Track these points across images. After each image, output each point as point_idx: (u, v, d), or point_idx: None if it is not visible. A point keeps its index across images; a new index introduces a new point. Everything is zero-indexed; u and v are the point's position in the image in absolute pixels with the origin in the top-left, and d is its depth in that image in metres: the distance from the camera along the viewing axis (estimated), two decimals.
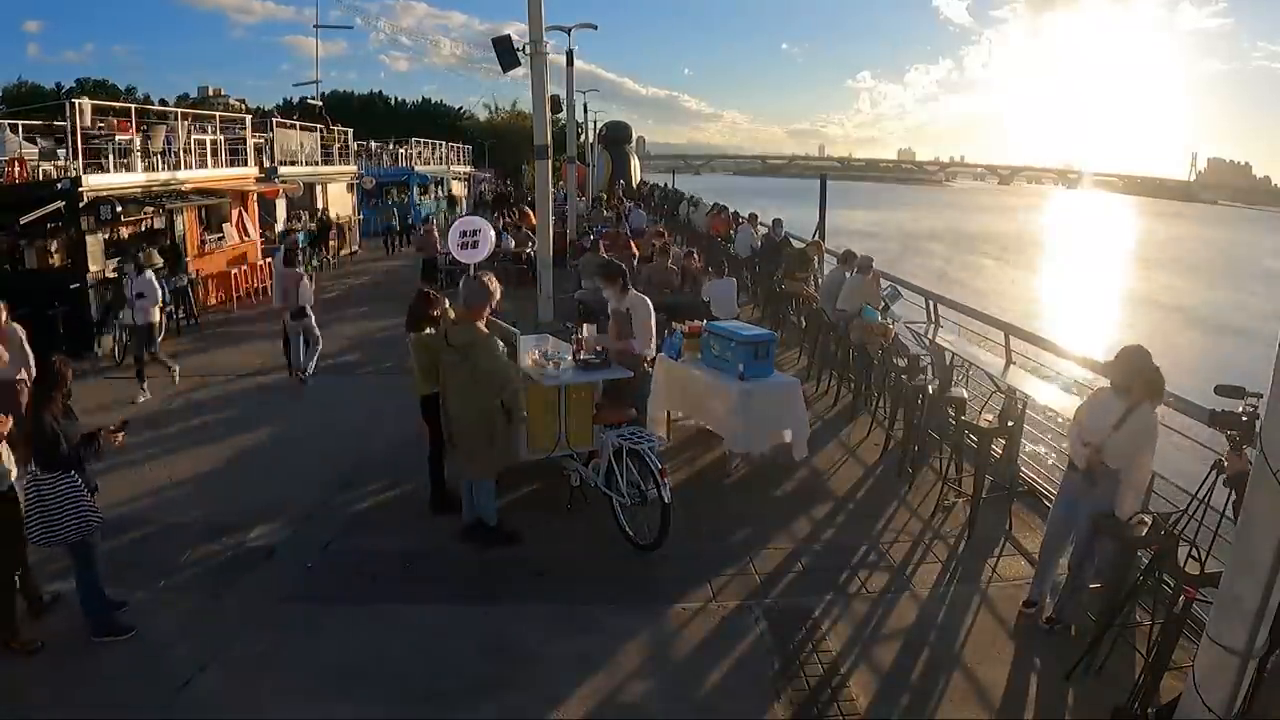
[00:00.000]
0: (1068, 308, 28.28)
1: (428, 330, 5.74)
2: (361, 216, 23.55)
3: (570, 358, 6.27)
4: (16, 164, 12.31)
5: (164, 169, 13.24)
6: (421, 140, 32.81)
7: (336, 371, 10.09)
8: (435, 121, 54.05)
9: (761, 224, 16.47)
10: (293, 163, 18.87)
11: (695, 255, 12.01)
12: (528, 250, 15.63)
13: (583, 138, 37.11)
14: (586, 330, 6.46)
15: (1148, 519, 4.15)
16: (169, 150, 13.50)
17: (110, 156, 11.98)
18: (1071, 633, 4.40)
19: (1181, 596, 3.43)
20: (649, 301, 6.62)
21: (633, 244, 13.93)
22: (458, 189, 33.23)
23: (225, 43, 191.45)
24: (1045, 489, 6.25)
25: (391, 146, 31.55)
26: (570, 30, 19.98)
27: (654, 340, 6.67)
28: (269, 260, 15.76)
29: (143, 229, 12.93)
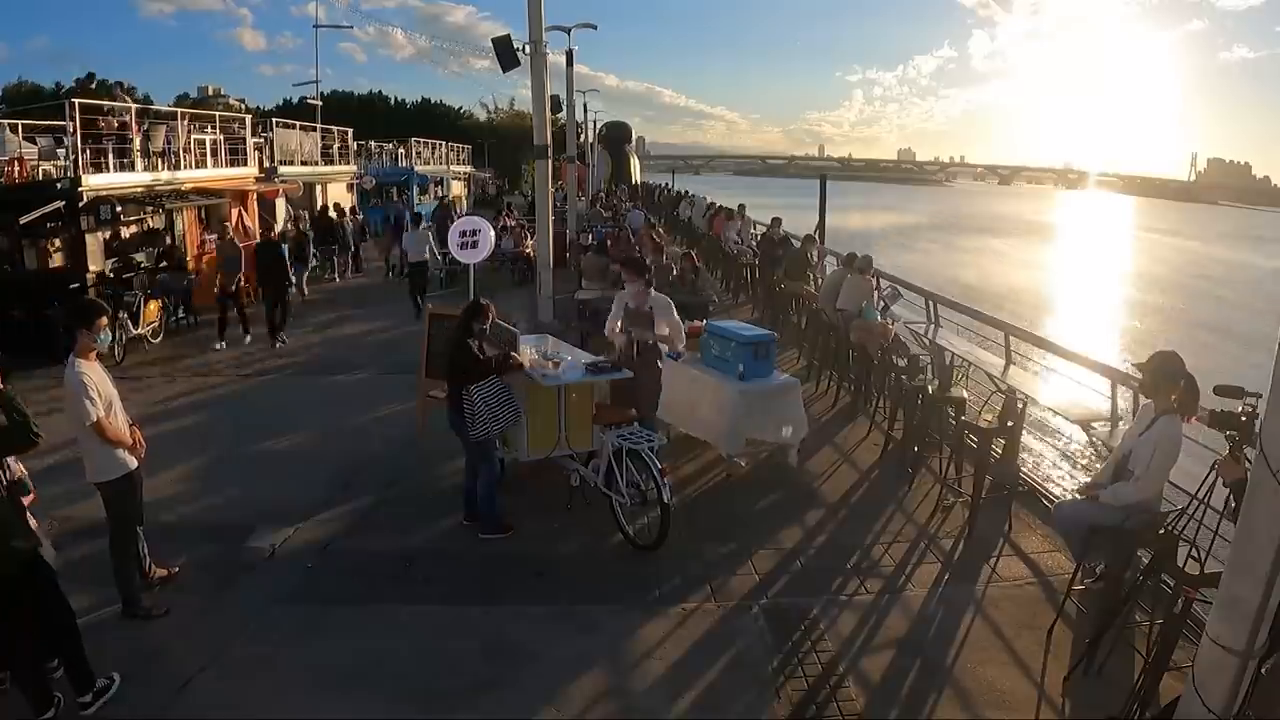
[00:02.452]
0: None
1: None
2: (361, 217, 23.54)
3: (570, 359, 6.26)
4: (16, 164, 12.31)
5: (164, 169, 13.23)
6: (421, 140, 32.82)
7: (336, 372, 10.09)
8: (435, 121, 54.00)
9: (759, 223, 16.49)
10: (292, 163, 18.88)
11: (693, 256, 12.01)
12: (527, 250, 15.66)
13: (583, 138, 37.11)
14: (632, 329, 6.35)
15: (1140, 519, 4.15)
16: (169, 150, 13.50)
17: (109, 156, 11.99)
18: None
19: (1181, 596, 3.42)
20: (670, 300, 6.55)
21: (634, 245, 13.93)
22: (457, 189, 33.23)
23: (152, 35, 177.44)
24: (1045, 489, 6.25)
25: (391, 146, 31.56)
26: (570, 30, 20.01)
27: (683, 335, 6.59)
28: None
29: (143, 229, 12.94)
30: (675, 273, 10.67)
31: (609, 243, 14.32)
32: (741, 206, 17.58)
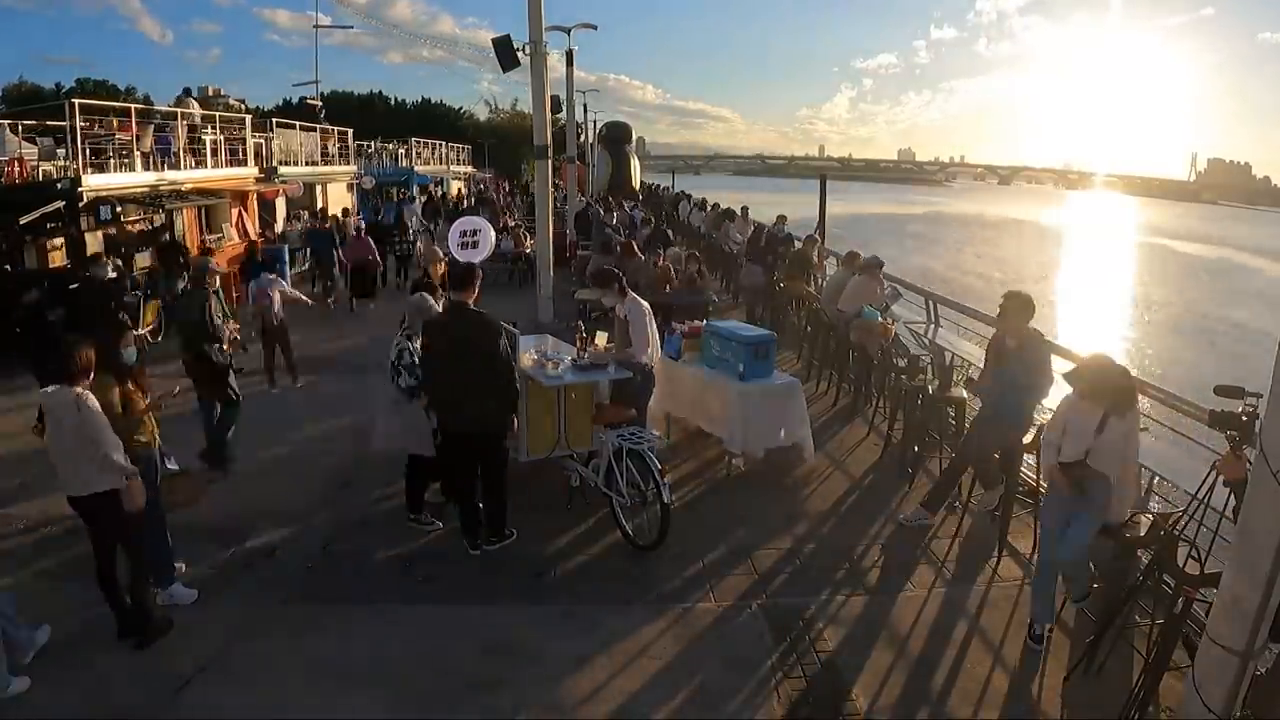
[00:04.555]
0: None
1: None
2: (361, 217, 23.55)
3: (569, 359, 6.27)
4: (16, 164, 12.31)
5: (165, 169, 13.24)
6: (421, 140, 32.82)
7: (337, 371, 10.09)
8: (435, 122, 54.06)
9: (759, 222, 16.46)
10: (293, 163, 18.88)
11: (696, 255, 12.01)
12: (526, 250, 15.67)
13: (583, 138, 37.11)
14: (598, 340, 6.41)
15: (1146, 518, 4.15)
16: (169, 150, 13.50)
17: (111, 156, 12.00)
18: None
19: (1181, 597, 3.43)
20: (645, 304, 6.48)
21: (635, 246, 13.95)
22: (457, 189, 33.26)
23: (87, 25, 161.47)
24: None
25: (392, 147, 31.57)
26: (570, 30, 20.05)
27: (653, 345, 6.47)
28: None
29: (145, 229, 12.95)
30: (674, 274, 10.67)
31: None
32: (745, 209, 17.57)
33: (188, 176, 13.80)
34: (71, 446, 4.00)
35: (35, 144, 13.30)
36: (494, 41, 11.27)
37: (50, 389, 4.05)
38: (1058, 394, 4.80)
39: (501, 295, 13.16)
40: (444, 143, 35.82)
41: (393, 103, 63.94)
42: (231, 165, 15.72)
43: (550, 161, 12.46)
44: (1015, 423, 5.30)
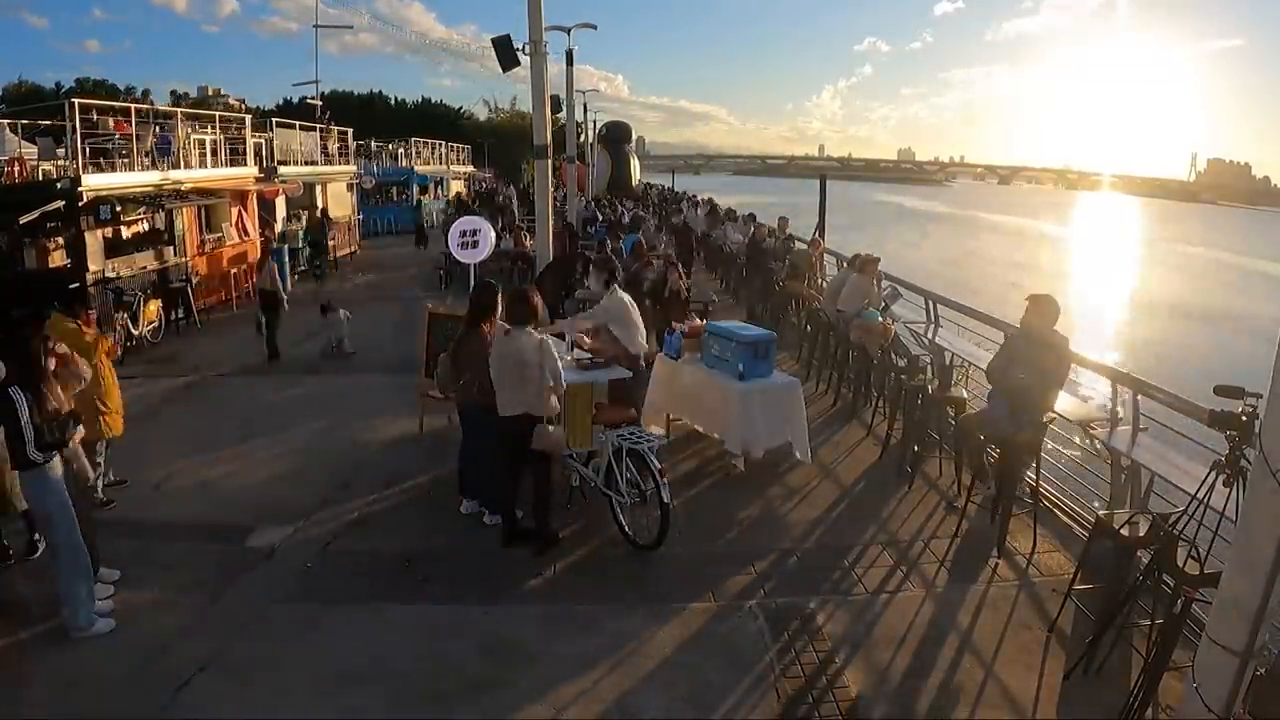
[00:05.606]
0: None
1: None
2: (361, 216, 23.57)
3: (570, 357, 6.27)
4: (16, 164, 12.31)
5: (164, 169, 13.24)
6: (421, 140, 32.85)
7: (336, 371, 10.10)
8: (435, 122, 54.13)
9: (761, 223, 16.49)
10: (292, 162, 18.88)
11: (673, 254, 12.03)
12: (526, 249, 15.65)
13: (583, 138, 37.11)
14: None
15: (1146, 518, 4.16)
16: (169, 150, 13.49)
17: (112, 156, 12.00)
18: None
19: (1181, 597, 3.43)
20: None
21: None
22: (457, 189, 33.30)
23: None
24: (1045, 489, 6.24)
25: (391, 146, 31.60)
26: (570, 30, 20.05)
27: (642, 336, 6.72)
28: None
29: (144, 228, 12.95)
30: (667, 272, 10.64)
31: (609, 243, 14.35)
32: (752, 215, 17.57)
33: (187, 176, 13.80)
34: None
35: (35, 144, 13.31)
36: (493, 41, 11.23)
37: None
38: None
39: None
40: (444, 142, 35.86)
41: (393, 102, 64.01)
42: (231, 165, 15.72)
43: (550, 161, 12.43)
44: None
